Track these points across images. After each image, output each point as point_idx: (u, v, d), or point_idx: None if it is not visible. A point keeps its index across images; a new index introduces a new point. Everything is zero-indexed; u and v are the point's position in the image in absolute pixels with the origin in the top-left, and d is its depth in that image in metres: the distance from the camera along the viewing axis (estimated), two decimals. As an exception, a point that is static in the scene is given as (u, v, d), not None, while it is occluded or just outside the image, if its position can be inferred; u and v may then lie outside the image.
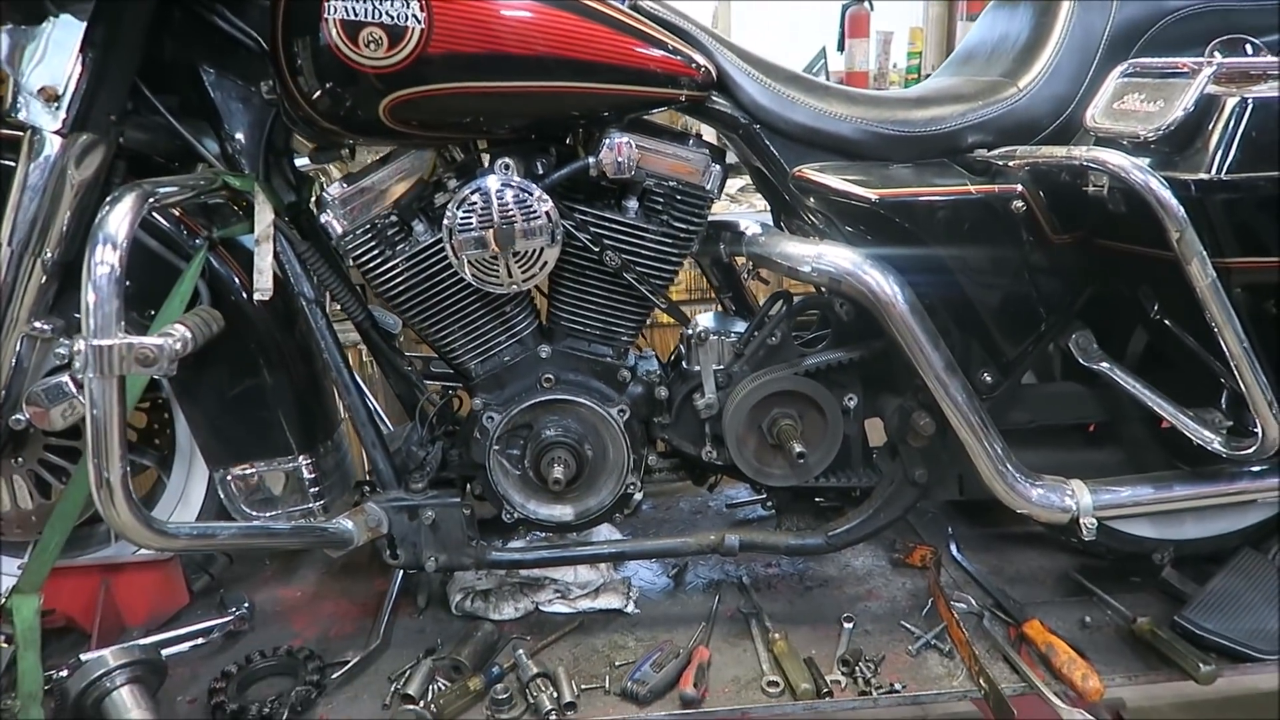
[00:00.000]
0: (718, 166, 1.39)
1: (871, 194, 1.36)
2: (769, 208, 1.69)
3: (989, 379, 1.44)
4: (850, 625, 1.51)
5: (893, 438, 1.50)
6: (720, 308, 1.76)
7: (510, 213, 1.29)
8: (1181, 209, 1.18)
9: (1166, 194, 1.18)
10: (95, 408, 1.12)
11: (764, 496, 1.65)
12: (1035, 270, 1.40)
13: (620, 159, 1.32)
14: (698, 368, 1.47)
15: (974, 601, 1.55)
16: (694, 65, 1.34)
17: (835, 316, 1.47)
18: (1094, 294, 1.44)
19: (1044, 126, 1.41)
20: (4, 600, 1.28)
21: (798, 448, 1.42)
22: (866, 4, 3.17)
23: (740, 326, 1.52)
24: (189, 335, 1.22)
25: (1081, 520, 1.38)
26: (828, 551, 1.54)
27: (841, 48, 3.24)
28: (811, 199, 1.41)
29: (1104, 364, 1.46)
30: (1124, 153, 1.20)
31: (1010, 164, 1.36)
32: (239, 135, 1.41)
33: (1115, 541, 1.57)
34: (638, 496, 1.50)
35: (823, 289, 1.46)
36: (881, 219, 1.36)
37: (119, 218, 1.13)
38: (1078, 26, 1.41)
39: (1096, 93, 1.35)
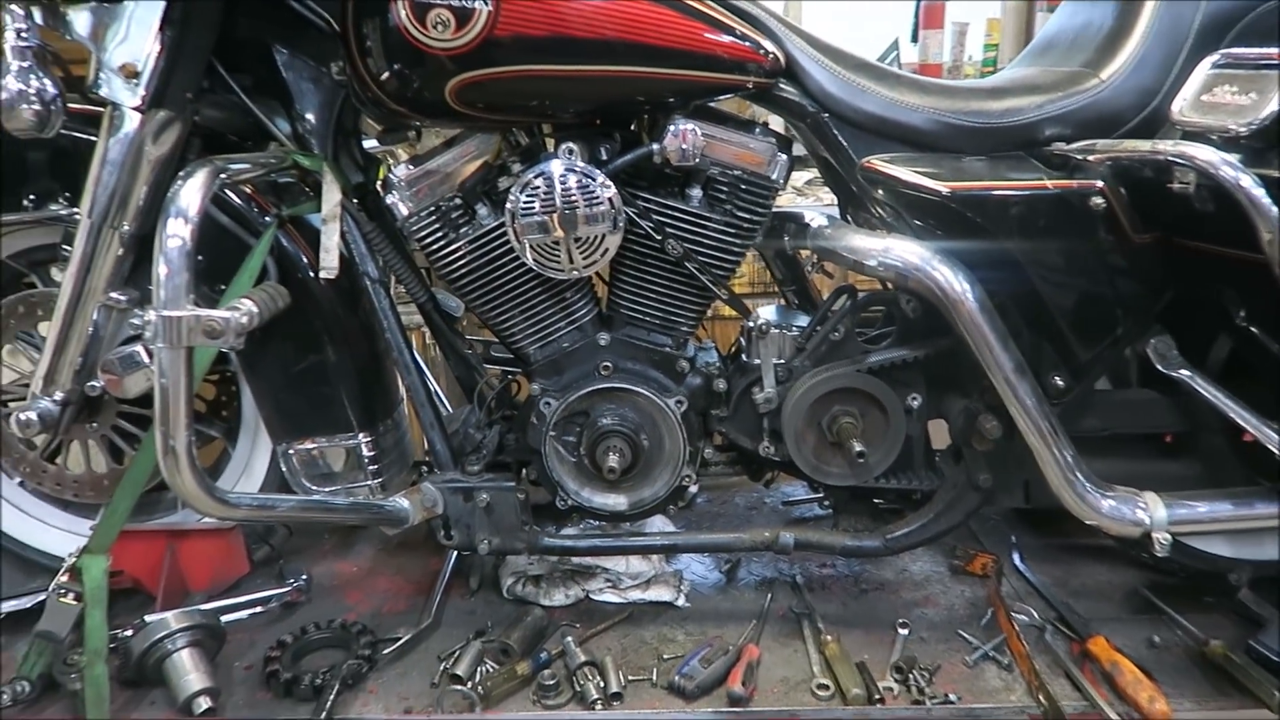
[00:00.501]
0: (784, 156, 1.38)
1: (943, 187, 1.32)
2: (835, 200, 1.65)
3: (1060, 383, 1.39)
4: (905, 631, 1.48)
5: (957, 440, 1.46)
6: (783, 301, 1.74)
7: (573, 198, 1.29)
8: (1275, 209, 1.12)
9: (1259, 193, 1.12)
10: (163, 377, 1.15)
11: (821, 495, 1.62)
12: (1113, 270, 1.34)
13: (685, 146, 1.32)
14: (758, 361, 1.45)
15: (1036, 614, 1.50)
16: (762, 51, 1.32)
17: (901, 313, 1.43)
18: (1175, 297, 1.38)
19: (1127, 120, 1.36)
20: (75, 559, 1.33)
21: (858, 447, 1.39)
22: (942, -7, 3.10)
23: (802, 320, 1.50)
24: (255, 310, 1.24)
25: (1154, 535, 1.32)
26: (885, 555, 1.51)
27: (915, 39, 3.17)
28: (880, 191, 1.38)
29: (1184, 371, 1.40)
30: (1213, 148, 1.15)
31: (1090, 158, 1.31)
32: (309, 115, 1.44)
33: (1189, 559, 1.50)
34: (693, 489, 1.49)
35: (889, 284, 1.43)
36: (953, 213, 1.33)
37: (191, 192, 1.16)
38: (1166, 15, 1.36)
39: (1184, 84, 1.30)
